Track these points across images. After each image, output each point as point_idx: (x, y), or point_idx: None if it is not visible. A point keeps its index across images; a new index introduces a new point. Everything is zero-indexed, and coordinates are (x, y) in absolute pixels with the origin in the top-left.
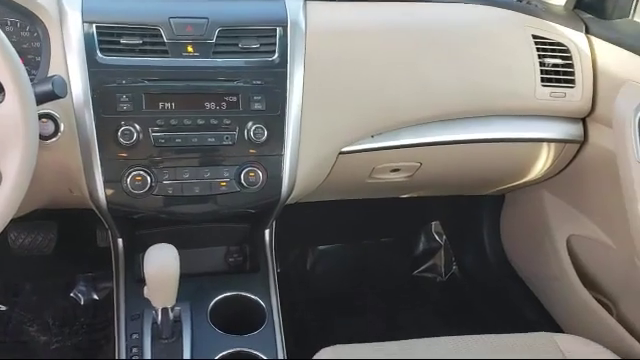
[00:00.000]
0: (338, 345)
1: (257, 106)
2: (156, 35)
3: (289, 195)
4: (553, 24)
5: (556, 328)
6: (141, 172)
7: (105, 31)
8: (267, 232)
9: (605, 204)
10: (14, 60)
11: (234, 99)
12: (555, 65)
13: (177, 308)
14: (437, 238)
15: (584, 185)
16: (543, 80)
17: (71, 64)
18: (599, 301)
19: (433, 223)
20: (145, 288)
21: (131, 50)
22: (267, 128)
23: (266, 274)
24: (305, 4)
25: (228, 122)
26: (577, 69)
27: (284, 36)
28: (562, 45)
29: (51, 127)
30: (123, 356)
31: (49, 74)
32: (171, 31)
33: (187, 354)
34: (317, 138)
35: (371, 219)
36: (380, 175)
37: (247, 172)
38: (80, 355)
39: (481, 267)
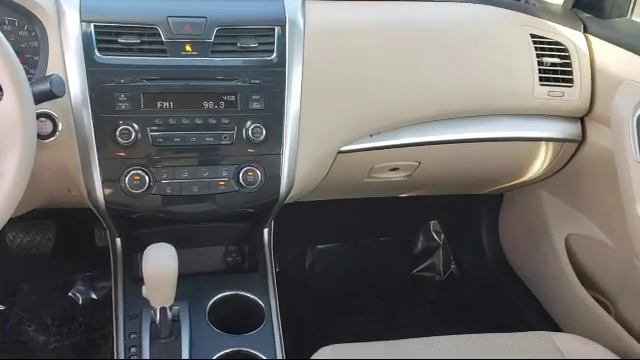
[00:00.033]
0: (337, 344)
1: (255, 105)
2: (154, 34)
3: (288, 194)
4: (551, 23)
5: (554, 327)
6: (139, 171)
7: (103, 30)
8: (266, 231)
9: (603, 203)
10: (12, 59)
11: (232, 98)
12: (553, 64)
13: (175, 307)
14: (436, 237)
15: (582, 184)
16: (541, 79)
17: (69, 63)
18: (597, 300)
19: (432, 222)
20: (143, 287)
21: (129, 49)
22: (265, 127)
23: (265, 274)
24: (304, 3)
25: (226, 121)
26: (575, 68)
27: (282, 35)
28: (560, 44)
29: (49, 126)
30: (121, 356)
31: (47, 73)
32: (169, 30)
33: (185, 354)
34: (316, 137)
35: (370, 218)
36: (379, 174)
37: (245, 171)
38: (78, 355)
39: (479, 266)
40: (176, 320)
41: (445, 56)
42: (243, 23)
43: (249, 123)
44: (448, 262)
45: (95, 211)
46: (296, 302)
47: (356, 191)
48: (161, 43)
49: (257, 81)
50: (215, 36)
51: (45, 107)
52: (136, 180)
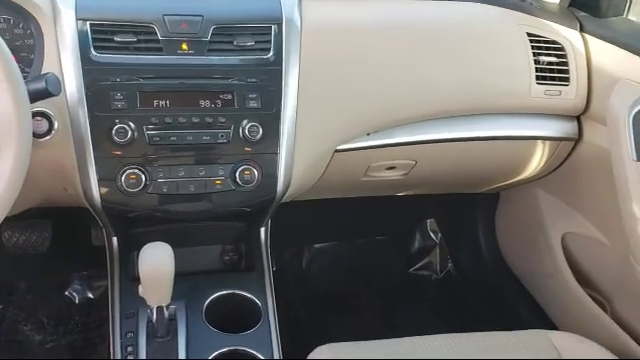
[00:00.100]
0: (334, 343)
1: (252, 104)
2: (150, 33)
3: (284, 193)
4: (548, 22)
5: (550, 325)
6: (136, 170)
7: (99, 28)
8: (262, 230)
9: (600, 202)
10: (7, 58)
11: (229, 97)
12: (550, 63)
13: (172, 307)
14: (432, 236)
15: (579, 183)
16: (538, 78)
17: (65, 62)
18: (593, 298)
19: (428, 221)
20: (140, 287)
21: (125, 48)
22: (262, 126)
23: (261, 272)
24: (300, 1)
25: (223, 120)
26: (572, 67)
27: (279, 34)
28: (557, 43)
29: (45, 125)
30: (118, 355)
31: (43, 72)
32: (165, 29)
33: (182, 353)
34: (312, 136)
35: (366, 217)
36: (375, 173)
37: (242, 170)
38: (75, 354)
39: (476, 265)
40: (173, 319)
41: (442, 55)
42: (240, 21)
43: (246, 122)
44: (445, 261)
45: (91, 210)
46: (293, 301)
47: (353, 190)
48: (157, 41)
49: (254, 80)
50: (211, 34)
51: (41, 106)
52: (132, 179)
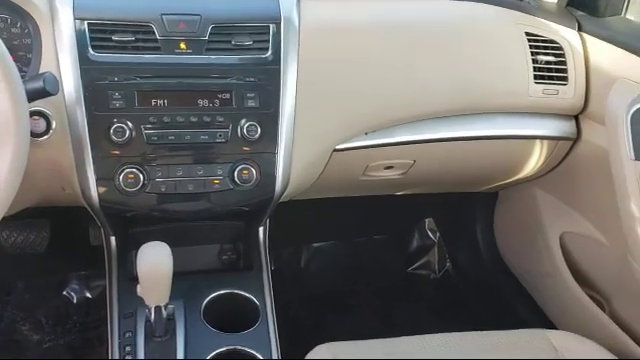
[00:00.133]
0: (332, 342)
1: (250, 103)
2: (148, 32)
3: (283, 193)
4: (546, 21)
5: (549, 325)
6: (134, 170)
7: (97, 28)
8: (261, 230)
9: (598, 201)
10: (4, 57)
11: (227, 96)
12: (548, 62)
13: (170, 306)
14: (431, 235)
15: (577, 182)
16: (536, 77)
17: (63, 61)
18: (592, 298)
19: (427, 220)
20: (138, 286)
21: (123, 47)
22: (260, 125)
23: (260, 272)
24: (298, 1)
25: (221, 119)
26: (570, 66)
27: (277, 33)
28: (555, 42)
29: (43, 125)
30: (116, 355)
31: (40, 71)
32: (163, 28)
33: (180, 352)
34: (311, 135)
35: (365, 216)
36: (374, 172)
37: (240, 170)
38: (73, 354)
39: (475, 264)
40: (171, 319)
41: (440, 54)
42: (238, 21)
43: (244, 121)
44: (443, 260)
45: (89, 209)
46: (291, 300)
47: (351, 189)
48: (155, 41)
49: (252, 79)
50: (210, 34)
51: (38, 105)
52: (130, 178)
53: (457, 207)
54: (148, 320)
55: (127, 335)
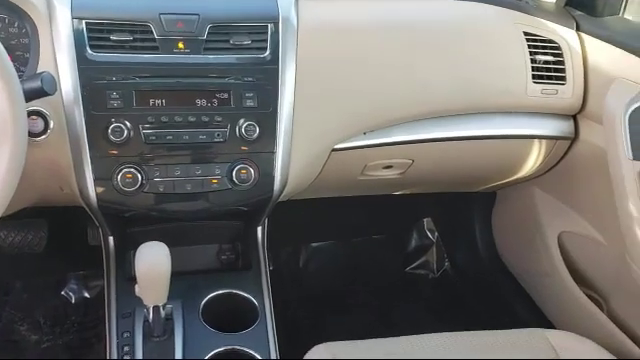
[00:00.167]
0: (331, 342)
1: (249, 103)
2: (146, 31)
3: (281, 192)
4: (544, 21)
5: (547, 324)
6: (132, 169)
7: (95, 27)
8: (259, 229)
9: (596, 201)
10: (2, 57)
11: (225, 96)
12: (546, 62)
13: (169, 306)
14: (429, 235)
15: (575, 182)
16: (534, 77)
17: (60, 61)
18: (590, 297)
19: (425, 220)
20: (136, 286)
21: (121, 46)
22: (259, 125)
23: (258, 272)
24: (297, 0)
25: (219, 119)
26: (568, 66)
27: (276, 32)
28: (553, 42)
29: (40, 124)
30: (114, 355)
31: (38, 71)
32: (162, 27)
33: (179, 352)
34: (309, 135)
35: (363, 216)
36: (372, 172)
37: (239, 169)
38: (71, 354)
39: (473, 264)
40: (169, 319)
41: (439, 54)
42: (236, 20)
43: (242, 121)
44: (441, 260)
45: (87, 209)
46: (290, 300)
47: (350, 189)
48: (153, 40)
49: (250, 79)
50: (208, 33)
51: (36, 105)
52: (128, 178)
53: (455, 207)
54: (146, 320)
55: (125, 335)
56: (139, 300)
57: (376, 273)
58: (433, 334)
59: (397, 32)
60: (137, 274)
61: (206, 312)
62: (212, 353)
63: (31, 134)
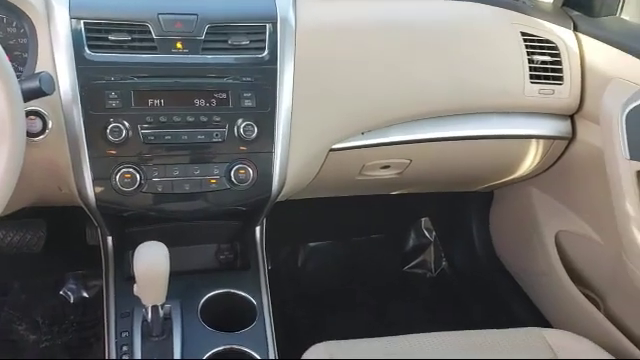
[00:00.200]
0: (329, 341)
1: (247, 103)
2: (145, 31)
3: (280, 192)
4: (541, 21)
5: (544, 323)
6: (130, 169)
7: (93, 27)
8: (258, 229)
9: (593, 200)
10: (0, 57)
11: (224, 96)
12: (544, 62)
13: (167, 306)
14: (427, 234)
15: (572, 182)
16: (532, 77)
17: (59, 61)
18: (587, 296)
19: (423, 219)
20: (135, 286)
21: (119, 46)
22: (257, 125)
23: (257, 271)
24: (295, 1)
25: (218, 119)
26: (565, 66)
27: (274, 33)
28: (551, 42)
29: (39, 124)
30: (113, 354)
31: (36, 71)
32: (160, 27)
33: (177, 352)
34: (307, 135)
35: (361, 216)
36: (370, 172)
37: (237, 169)
38: (70, 354)
39: (470, 263)
40: (168, 318)
41: (436, 54)
42: (234, 20)
43: (240, 121)
44: (439, 259)
45: (86, 209)
46: (288, 300)
47: (348, 189)
48: (152, 40)
49: (248, 79)
50: (206, 33)
51: (34, 105)
52: (127, 178)
53: (453, 206)
54: (145, 320)
55: (124, 335)
56: (138, 300)
57: (374, 272)
58: (431, 333)
59: (394, 32)
60: (136, 274)
61: (205, 312)
62: (211, 352)
63: (29, 134)
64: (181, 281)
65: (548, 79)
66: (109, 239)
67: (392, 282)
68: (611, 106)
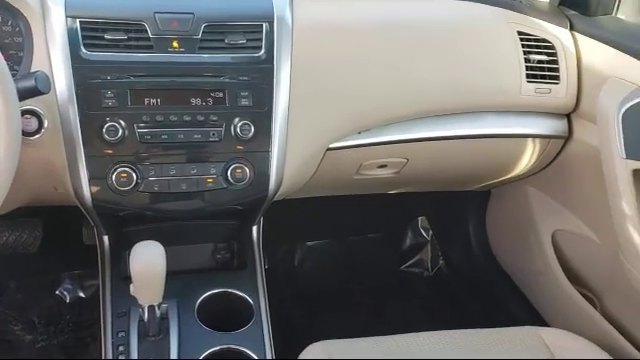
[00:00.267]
0: (326, 341)
1: (244, 102)
2: (141, 30)
3: (277, 191)
4: (538, 20)
5: (541, 322)
6: (126, 169)
7: (89, 26)
8: (255, 229)
9: (589, 199)
10: None
11: (220, 95)
12: (540, 61)
13: (164, 305)
14: (424, 233)
15: (569, 181)
16: (528, 76)
17: (54, 60)
18: (583, 295)
19: (420, 218)
20: (131, 286)
21: (116, 45)
22: (254, 124)
23: (254, 271)
24: (292, 0)
25: (214, 118)
26: (562, 65)
27: (270, 32)
28: (547, 41)
29: (34, 123)
30: (109, 354)
31: (32, 70)
32: (156, 26)
33: (174, 352)
34: (304, 134)
35: (358, 215)
36: (367, 171)
37: (234, 168)
38: (66, 354)
39: (467, 262)
40: (164, 318)
41: (433, 53)
42: (231, 19)
43: (237, 120)
44: (436, 258)
45: (82, 209)
46: (285, 299)
47: (345, 188)
48: (148, 39)
49: (245, 78)
50: (202, 32)
51: (30, 104)
52: (123, 177)
53: (450, 205)
54: (141, 319)
55: (120, 334)
56: (134, 299)
57: (371, 272)
58: (428, 332)
59: (391, 31)
60: (132, 273)
61: (201, 311)
62: (207, 352)
63: (25, 133)
64: (178, 281)
65: (544, 78)
66: (105, 239)
67: (389, 281)
68: (607, 105)
